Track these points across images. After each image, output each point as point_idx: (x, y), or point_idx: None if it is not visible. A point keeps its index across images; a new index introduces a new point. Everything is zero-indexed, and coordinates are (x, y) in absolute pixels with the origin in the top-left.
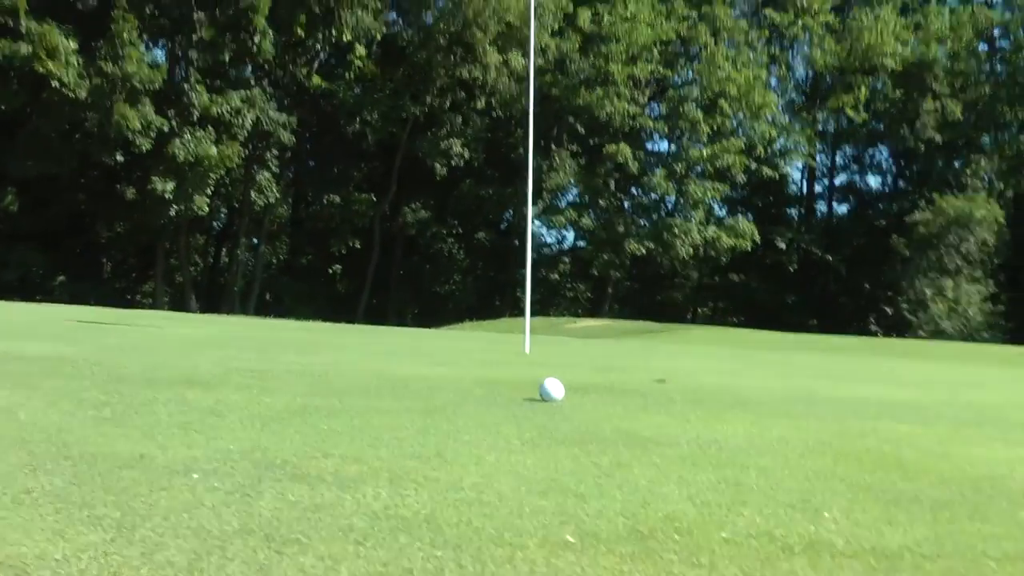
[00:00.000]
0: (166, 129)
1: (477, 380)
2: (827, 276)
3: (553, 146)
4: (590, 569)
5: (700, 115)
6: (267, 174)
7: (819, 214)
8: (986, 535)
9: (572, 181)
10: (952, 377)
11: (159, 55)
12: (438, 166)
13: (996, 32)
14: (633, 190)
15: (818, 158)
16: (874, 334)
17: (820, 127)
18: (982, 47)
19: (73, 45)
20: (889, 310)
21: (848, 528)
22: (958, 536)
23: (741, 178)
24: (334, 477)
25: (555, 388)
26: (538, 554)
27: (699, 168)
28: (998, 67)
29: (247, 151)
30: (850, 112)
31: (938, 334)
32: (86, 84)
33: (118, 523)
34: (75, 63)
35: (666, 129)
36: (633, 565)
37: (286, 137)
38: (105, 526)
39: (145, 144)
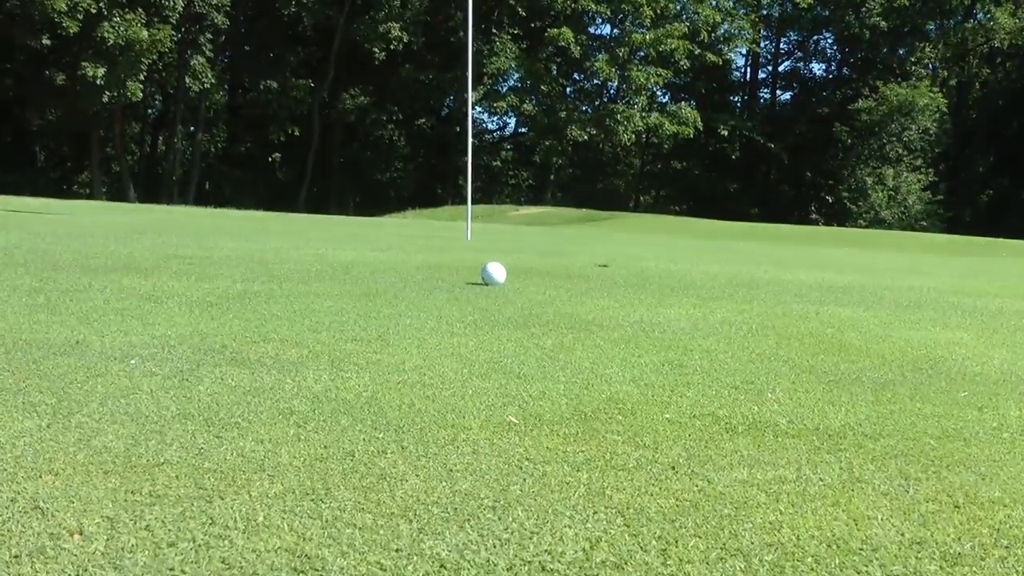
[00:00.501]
0: (93, 11)
1: (419, 265)
2: (769, 164)
3: (494, 30)
4: (533, 450)
5: None
6: (201, 59)
7: (762, 101)
8: (926, 414)
9: (513, 66)
10: (893, 264)
11: None
12: (377, 50)
13: None
14: (575, 75)
15: (762, 44)
16: (815, 223)
17: (764, 12)
18: None
19: None
20: (830, 199)
21: (791, 408)
22: (899, 415)
23: (684, 64)
24: (274, 361)
25: (497, 272)
26: (481, 435)
27: (642, 53)
28: None
29: (179, 34)
30: None
31: (877, 222)
32: None
33: (54, 409)
34: None
35: (608, 12)
36: (576, 446)
37: (219, 19)
38: (40, 412)
39: (72, 26)
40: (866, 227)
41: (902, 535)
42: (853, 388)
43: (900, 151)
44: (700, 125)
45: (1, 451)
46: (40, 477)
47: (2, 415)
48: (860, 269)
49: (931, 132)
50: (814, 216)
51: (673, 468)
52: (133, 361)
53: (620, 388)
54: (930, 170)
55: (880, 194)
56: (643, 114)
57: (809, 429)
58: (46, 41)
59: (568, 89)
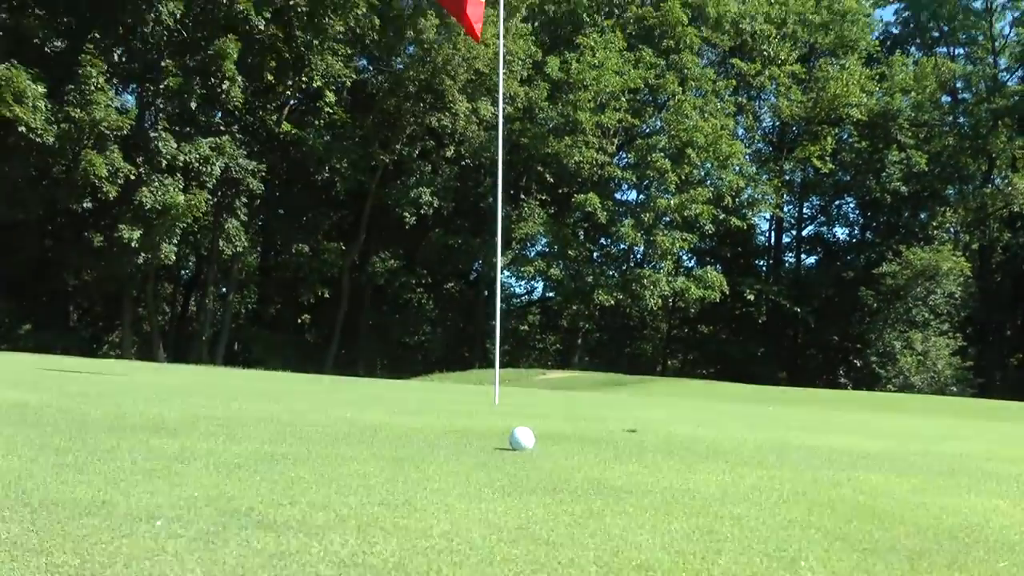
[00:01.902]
0: (133, 176)
1: (446, 429)
2: (796, 328)
3: (522, 195)
4: None
5: (668, 164)
6: (235, 222)
7: (787, 265)
8: None
9: (541, 231)
10: (924, 429)
11: (129, 100)
12: (407, 215)
13: (959, 84)
14: (602, 240)
15: (785, 209)
16: (844, 387)
17: (787, 177)
18: (945, 99)
19: (41, 89)
20: (858, 362)
21: None
22: None
23: (709, 228)
24: (300, 524)
25: (525, 437)
26: None
27: (667, 218)
28: (960, 119)
29: (215, 198)
30: (816, 162)
31: (907, 387)
32: (53, 130)
33: (77, 571)
34: (43, 108)
35: (634, 178)
36: None
37: (255, 185)
38: (63, 574)
39: (112, 191)
40: (896, 392)
41: None
42: (888, 557)
43: (927, 315)
44: (726, 289)
45: None
46: None
47: None
48: (891, 434)
49: (956, 296)
50: (842, 380)
51: None
52: (159, 522)
53: (651, 555)
54: (958, 334)
55: (909, 359)
56: (669, 278)
57: None
58: (87, 204)
59: (595, 253)
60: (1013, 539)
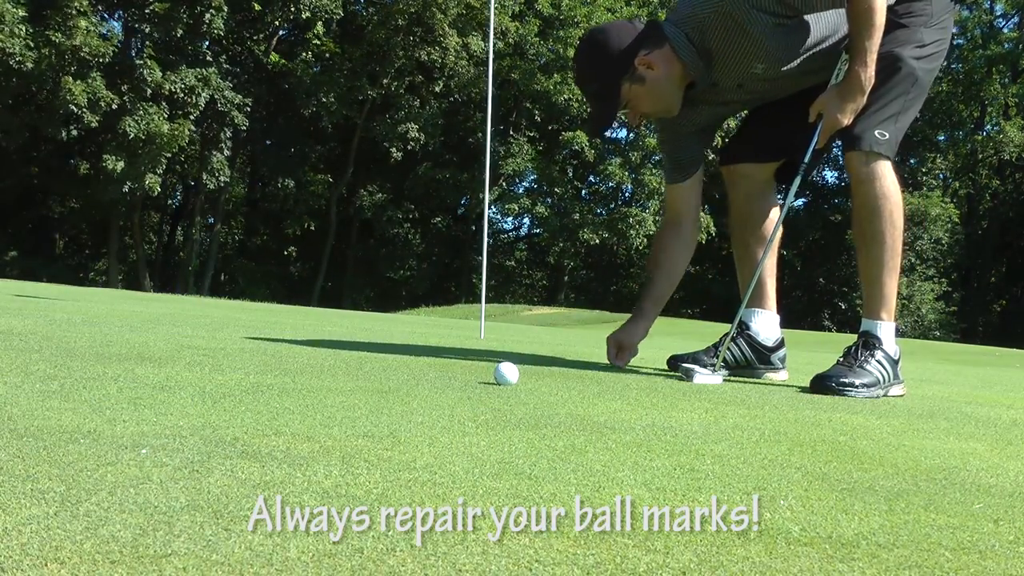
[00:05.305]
0: (115, 105)
1: (431, 363)
2: (782, 270)
3: (511, 132)
4: (544, 552)
5: None
6: (220, 156)
7: None
8: (941, 525)
9: (529, 167)
10: (906, 372)
11: (115, 27)
12: (394, 150)
13: (954, 29)
14: (590, 178)
15: None
16: (828, 330)
17: None
18: None
19: (21, 13)
20: (843, 305)
21: (804, 516)
22: (913, 526)
23: None
24: (285, 455)
25: (510, 372)
26: (491, 536)
27: (656, 157)
28: (954, 65)
29: (201, 130)
30: None
31: None
32: (32, 55)
33: (62, 497)
34: (22, 32)
35: (624, 117)
36: (587, 548)
37: (240, 120)
38: (49, 500)
39: (94, 120)
40: None
41: None
42: (866, 497)
43: (913, 260)
44: (713, 231)
45: (7, 538)
46: (46, 565)
47: (10, 501)
48: None
49: (943, 242)
50: (827, 323)
51: (684, 574)
52: (144, 451)
53: (631, 492)
54: (943, 280)
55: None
56: (656, 218)
57: (822, 537)
58: (74, 132)
59: (583, 191)
60: (989, 481)
